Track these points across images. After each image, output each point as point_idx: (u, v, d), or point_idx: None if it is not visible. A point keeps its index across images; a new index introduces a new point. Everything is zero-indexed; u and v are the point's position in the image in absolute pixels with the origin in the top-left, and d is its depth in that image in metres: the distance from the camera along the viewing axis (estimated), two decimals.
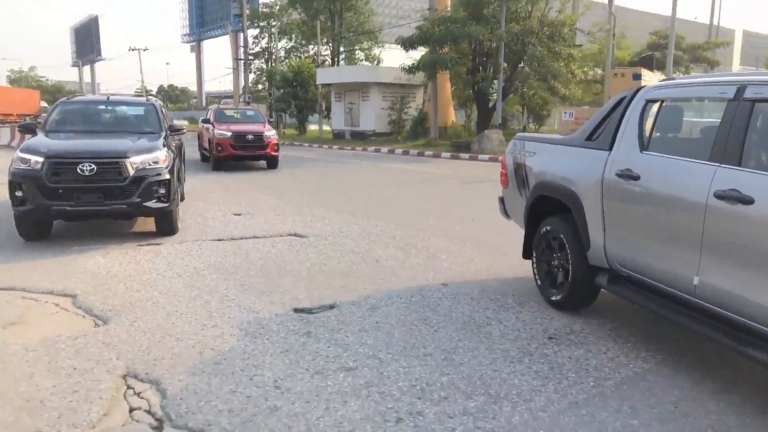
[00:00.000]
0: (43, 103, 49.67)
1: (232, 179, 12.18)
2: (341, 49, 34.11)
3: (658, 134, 3.69)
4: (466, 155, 18.61)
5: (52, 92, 72.11)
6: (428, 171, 14.59)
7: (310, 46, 35.58)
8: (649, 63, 16.80)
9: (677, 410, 2.86)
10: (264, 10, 38.27)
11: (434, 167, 15.64)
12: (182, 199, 8.37)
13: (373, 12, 34.87)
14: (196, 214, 7.96)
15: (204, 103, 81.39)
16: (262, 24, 38.21)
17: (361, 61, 34.44)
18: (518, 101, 24.40)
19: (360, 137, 26.32)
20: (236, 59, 40.83)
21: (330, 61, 34.42)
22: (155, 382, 3.07)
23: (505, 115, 29.98)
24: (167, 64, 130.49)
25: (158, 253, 5.83)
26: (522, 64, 21.01)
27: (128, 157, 6.12)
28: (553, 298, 4.27)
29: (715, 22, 55.95)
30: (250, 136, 13.65)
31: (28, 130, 7.34)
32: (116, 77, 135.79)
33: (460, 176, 13.42)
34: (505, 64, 20.76)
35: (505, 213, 5.23)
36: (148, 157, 6.32)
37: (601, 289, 4.05)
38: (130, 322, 3.89)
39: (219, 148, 13.52)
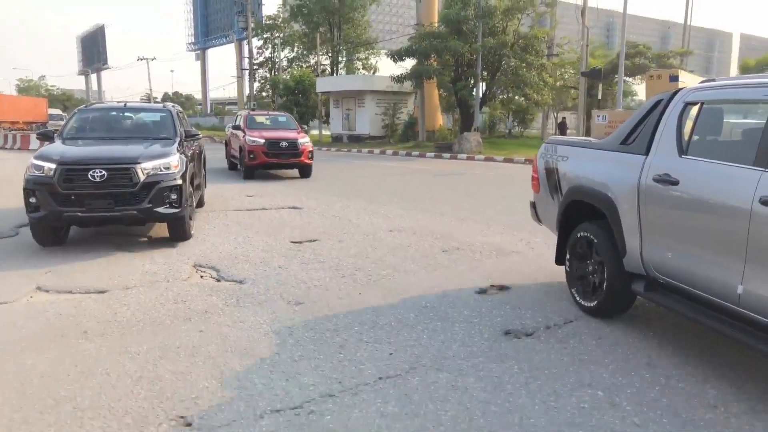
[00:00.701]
0: (57, 111, 52.53)
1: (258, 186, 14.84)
2: (340, 58, 36.87)
3: (698, 138, 3.60)
4: (448, 155, 21.28)
5: (62, 100, 75.02)
6: (410, 167, 17.23)
7: (311, 57, 38.31)
8: (597, 74, 19.31)
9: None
10: (267, 22, 41.06)
11: (417, 165, 18.29)
12: (201, 205, 8.76)
13: (369, 24, 37.63)
14: (217, 194, 10.59)
15: (209, 110, 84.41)
16: (265, 36, 41.02)
17: (359, 70, 37.17)
18: (498, 107, 27.02)
19: (356, 140, 29.04)
20: (242, 69, 43.54)
21: (330, 69, 37.17)
22: (213, 268, 5.68)
23: (493, 119, 32.68)
24: (171, 71, 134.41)
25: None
26: (499, 74, 23.67)
27: (139, 163, 6.19)
28: (587, 305, 4.23)
29: (708, 25, 58.46)
30: (283, 143, 13.10)
31: (46, 137, 7.60)
32: (121, 85, 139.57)
33: (435, 171, 16.08)
34: (485, 74, 23.46)
35: (537, 218, 5.23)
36: (160, 162, 6.37)
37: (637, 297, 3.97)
38: (191, 248, 6.52)
39: (251, 156, 12.97)
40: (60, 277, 5.22)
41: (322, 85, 31.67)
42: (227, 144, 16.22)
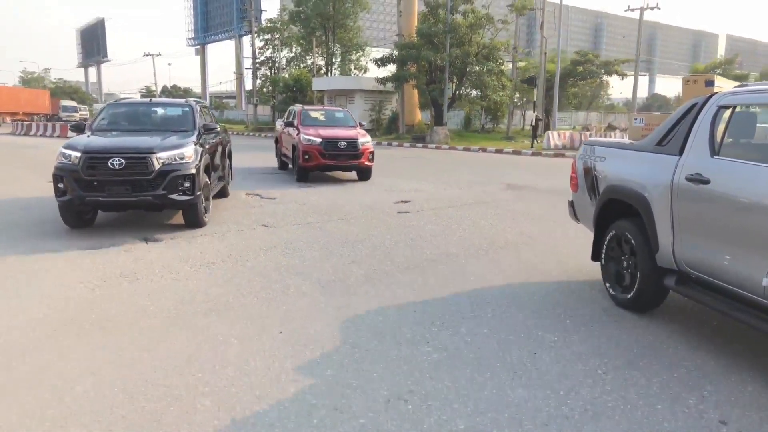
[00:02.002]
0: (72, 103, 57.32)
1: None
2: (334, 60, 42.25)
3: (730, 139, 3.79)
4: (421, 145, 26.74)
5: (69, 93, 79.89)
6: (388, 153, 22.66)
7: (308, 57, 43.62)
8: (532, 81, 24.73)
9: None
10: (269, 25, 46.29)
11: (395, 151, 23.71)
12: (226, 195, 9.76)
13: (360, 29, 42.97)
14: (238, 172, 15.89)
15: (209, 104, 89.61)
16: (266, 37, 46.27)
17: (352, 70, 42.54)
18: (466, 105, 32.53)
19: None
20: (246, 68, 48.80)
21: (325, 69, 42.51)
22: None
23: (469, 116, 38.10)
24: (169, 65, 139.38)
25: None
26: (465, 78, 29.17)
27: (154, 153, 6.76)
28: (621, 298, 4.51)
29: (694, 27, 63.73)
30: (342, 143, 12.16)
31: (79, 129, 8.27)
32: (118, 79, 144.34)
33: (404, 155, 21.51)
34: (454, 78, 28.94)
35: (575, 216, 5.47)
36: (174, 153, 6.93)
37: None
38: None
39: (306, 157, 12.05)
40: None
41: (318, 84, 37.07)
42: (278, 141, 15.45)
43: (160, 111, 8.99)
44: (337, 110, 15.10)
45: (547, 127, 27.66)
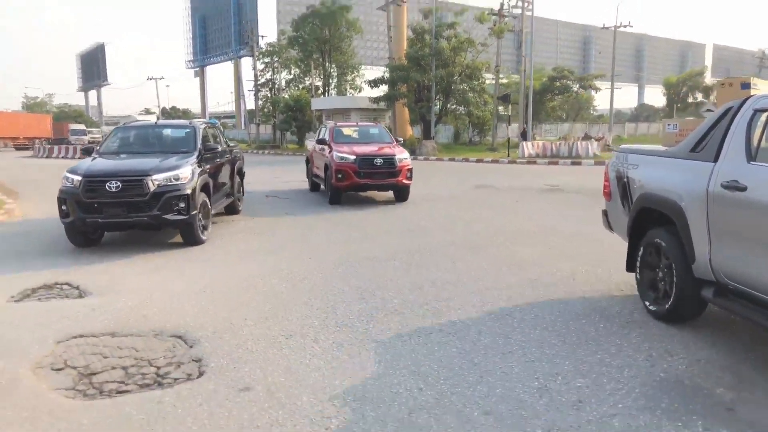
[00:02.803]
0: (80, 126, 60.44)
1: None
2: (330, 81, 45.77)
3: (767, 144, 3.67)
4: (411, 157, 29.91)
5: (74, 117, 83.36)
6: None
7: (306, 78, 47.12)
8: (507, 99, 28.14)
9: None
10: (269, 49, 49.86)
11: None
12: (237, 212, 10.32)
13: (355, 52, 46.57)
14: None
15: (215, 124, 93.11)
16: (266, 60, 49.82)
17: (347, 90, 46.04)
18: (452, 121, 35.93)
19: None
20: (248, 90, 52.20)
21: (322, 89, 45.98)
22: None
23: (457, 130, 41.47)
24: (167, 86, 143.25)
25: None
26: (450, 96, 32.57)
27: (150, 175, 7.13)
28: (657, 311, 4.44)
29: (681, 37, 67.23)
30: (378, 160, 11.54)
31: (87, 152, 8.67)
32: (119, 102, 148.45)
33: None
34: (440, 96, 32.31)
35: (609, 226, 5.51)
36: (170, 174, 7.30)
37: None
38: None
39: (339, 176, 11.45)
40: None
41: (316, 104, 40.50)
42: (309, 161, 15.02)
43: (164, 133, 9.30)
44: (371, 126, 14.70)
45: (524, 136, 30.95)
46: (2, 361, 3.95)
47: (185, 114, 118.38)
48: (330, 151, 12.05)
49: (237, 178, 10.58)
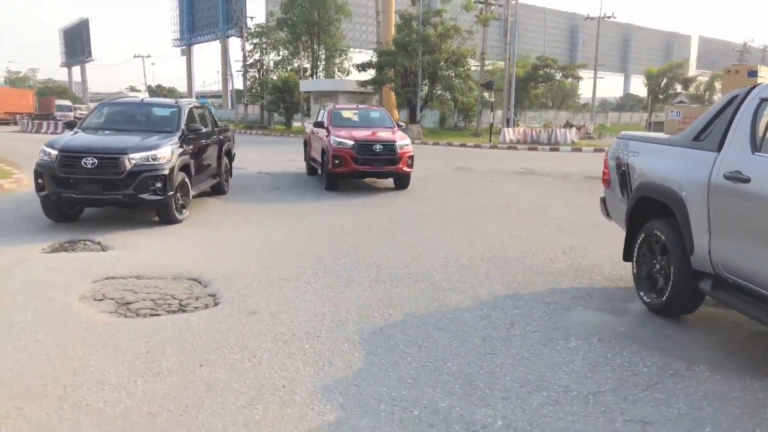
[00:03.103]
0: (66, 102, 60.12)
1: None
2: (319, 63, 46.35)
3: None
4: None
5: (59, 93, 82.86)
6: None
7: (295, 60, 47.62)
8: (490, 86, 29.16)
9: None
10: (257, 30, 50.19)
11: None
12: (224, 192, 10.49)
13: (343, 35, 47.11)
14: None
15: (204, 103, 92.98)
16: (255, 41, 50.14)
17: (336, 72, 46.67)
18: (438, 106, 36.89)
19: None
20: (237, 70, 52.53)
21: (310, 71, 46.54)
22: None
23: (443, 115, 42.41)
24: (153, 64, 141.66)
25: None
26: (435, 81, 33.49)
27: (126, 154, 7.16)
28: (653, 303, 4.41)
29: (667, 28, 68.36)
30: (377, 146, 11.08)
31: (71, 126, 8.75)
32: (104, 78, 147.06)
33: None
34: (426, 81, 33.20)
35: (607, 213, 5.47)
36: (148, 153, 7.32)
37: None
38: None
39: (336, 162, 11.04)
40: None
41: (305, 85, 41.16)
42: (306, 144, 14.47)
43: (149, 111, 9.25)
44: (372, 109, 14.18)
45: (508, 122, 32.05)
46: (53, 294, 4.90)
47: (171, 93, 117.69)
48: (327, 135, 11.52)
49: (225, 159, 10.70)
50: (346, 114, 13.07)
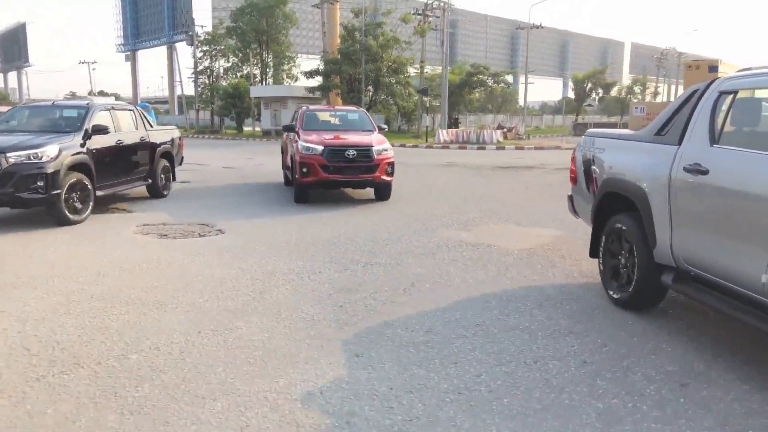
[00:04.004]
0: (5, 108, 60.58)
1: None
2: (268, 70, 49.18)
3: (732, 127, 3.77)
4: None
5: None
6: None
7: (245, 67, 50.24)
8: (425, 92, 32.86)
9: None
10: (207, 37, 52.53)
11: None
12: (162, 195, 10.75)
13: (291, 43, 50.11)
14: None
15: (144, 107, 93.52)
16: (205, 48, 52.47)
17: (284, 79, 49.57)
18: (382, 111, 40.43)
19: (281, 133, 41.45)
20: (189, 77, 54.49)
21: (260, 78, 49.26)
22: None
23: (387, 119, 45.80)
24: (93, 69, 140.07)
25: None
26: (378, 87, 36.95)
27: (4, 153, 7.47)
28: (618, 297, 4.54)
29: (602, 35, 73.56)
30: (351, 152, 10.04)
31: None
32: (44, 84, 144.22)
33: None
34: (369, 88, 36.62)
35: (574, 211, 5.62)
36: (29, 152, 7.59)
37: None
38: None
39: (304, 170, 10.00)
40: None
41: (255, 92, 43.94)
42: (283, 151, 13.18)
43: (57, 112, 9.48)
44: (351, 110, 13.16)
45: (453, 125, 35.83)
46: (118, 231, 7.84)
47: (114, 98, 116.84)
48: (296, 141, 10.46)
49: (163, 162, 10.97)
50: (322, 116, 12.18)
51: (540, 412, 3.06)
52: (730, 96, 3.76)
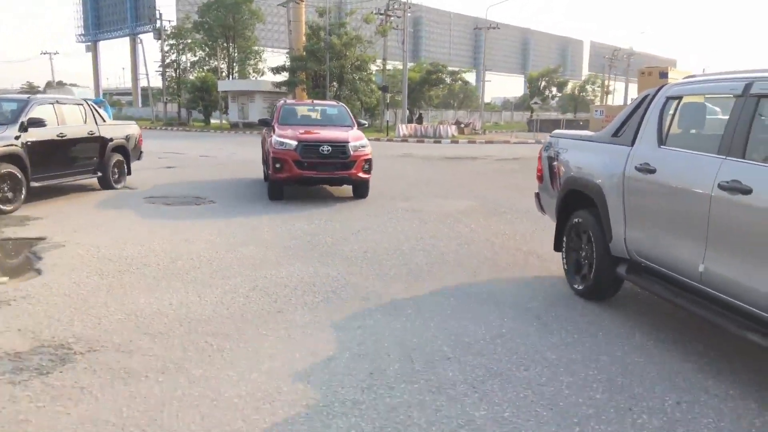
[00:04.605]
0: None
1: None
2: (234, 64, 50.94)
3: (677, 130, 4.20)
4: None
5: None
6: None
7: (212, 61, 51.85)
8: (386, 89, 35.40)
9: None
10: (173, 31, 53.89)
11: None
12: (112, 187, 11.27)
13: (257, 39, 51.96)
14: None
15: (99, 100, 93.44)
16: (171, 42, 53.81)
17: (250, 73, 51.43)
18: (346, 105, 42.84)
19: (249, 126, 43.42)
20: (156, 70, 55.54)
21: (226, 72, 50.97)
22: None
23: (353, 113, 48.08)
24: (50, 58, 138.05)
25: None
26: (342, 84, 39.30)
27: None
28: (579, 288, 4.98)
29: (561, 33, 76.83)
30: (325, 148, 9.84)
31: None
32: (4, 73, 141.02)
33: None
34: (334, 83, 38.92)
35: (541, 208, 6.07)
36: None
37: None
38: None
39: (277, 166, 9.89)
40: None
41: (223, 85, 45.74)
42: (262, 146, 12.78)
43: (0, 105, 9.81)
44: (330, 105, 13.04)
45: (417, 120, 38.32)
46: (130, 201, 10.03)
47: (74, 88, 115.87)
48: (271, 135, 10.43)
49: (116, 157, 11.43)
50: (300, 111, 12.17)
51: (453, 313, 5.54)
52: (676, 101, 4.19)
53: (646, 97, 4.54)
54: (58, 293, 4.95)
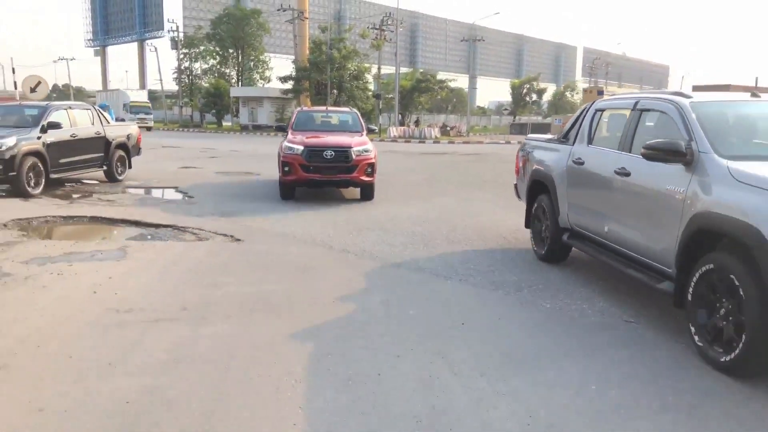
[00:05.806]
0: None
1: None
2: (243, 72, 57.54)
3: (601, 133, 5.84)
4: None
5: None
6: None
7: (223, 68, 58.32)
8: (379, 97, 41.82)
9: None
10: (187, 41, 60.35)
11: None
12: (117, 180, 13.13)
13: (265, 49, 58.53)
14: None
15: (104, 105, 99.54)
16: (185, 51, 60.25)
17: (258, 80, 58.00)
18: None
19: (258, 128, 49.93)
20: (173, 76, 62.00)
21: (237, 79, 57.43)
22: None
23: None
24: (55, 62, 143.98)
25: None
26: (341, 91, 45.82)
27: None
28: (540, 253, 6.62)
29: (555, 39, 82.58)
30: (328, 153, 10.49)
31: None
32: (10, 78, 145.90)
33: None
34: (334, 91, 45.42)
35: (518, 195, 7.73)
36: None
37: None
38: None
39: (286, 169, 10.65)
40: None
41: (235, 92, 52.35)
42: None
43: (22, 111, 11.78)
44: (343, 111, 14.06)
45: (416, 123, 44.58)
46: (159, 176, 16.30)
47: (78, 92, 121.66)
48: (283, 141, 11.40)
49: (119, 153, 13.36)
50: (315, 117, 13.26)
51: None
52: (601, 112, 5.85)
53: (585, 109, 6.21)
54: None
